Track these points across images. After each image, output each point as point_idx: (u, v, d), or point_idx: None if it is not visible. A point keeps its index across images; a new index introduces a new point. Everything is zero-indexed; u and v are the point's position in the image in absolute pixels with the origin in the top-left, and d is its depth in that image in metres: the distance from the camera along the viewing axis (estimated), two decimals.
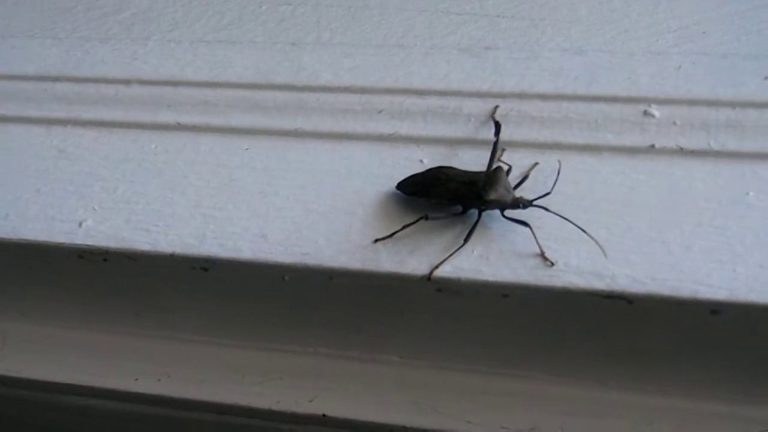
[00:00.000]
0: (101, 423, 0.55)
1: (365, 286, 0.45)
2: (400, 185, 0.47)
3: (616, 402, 0.46)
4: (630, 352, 0.45)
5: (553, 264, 0.42)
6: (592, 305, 0.42)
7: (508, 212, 0.44)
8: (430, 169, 0.47)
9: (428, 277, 0.43)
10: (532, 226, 0.43)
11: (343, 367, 0.50)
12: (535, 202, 0.43)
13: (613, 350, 0.45)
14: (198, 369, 0.52)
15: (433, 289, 0.44)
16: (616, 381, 0.46)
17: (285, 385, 0.50)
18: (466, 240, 0.43)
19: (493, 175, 0.44)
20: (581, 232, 0.43)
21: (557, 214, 0.43)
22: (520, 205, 0.43)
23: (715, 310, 0.41)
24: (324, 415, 0.49)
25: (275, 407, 0.50)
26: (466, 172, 0.46)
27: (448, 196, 0.45)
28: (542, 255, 0.43)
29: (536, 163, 0.46)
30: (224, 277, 0.47)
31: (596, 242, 0.41)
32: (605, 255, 0.42)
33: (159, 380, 0.52)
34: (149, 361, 0.52)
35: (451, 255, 0.43)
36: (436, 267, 0.43)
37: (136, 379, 0.52)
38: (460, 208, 0.45)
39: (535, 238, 0.43)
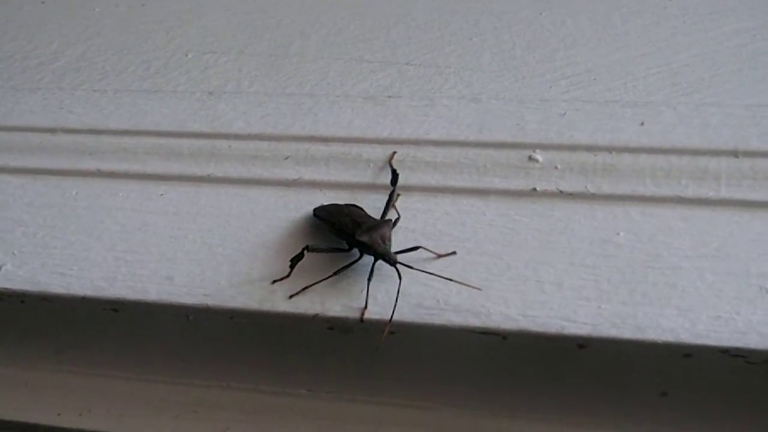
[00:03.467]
0: None
1: (264, 325, 0.48)
2: (317, 208, 0.51)
3: (507, 429, 0.49)
4: (511, 384, 0.48)
5: (362, 321, 0.45)
6: (470, 341, 0.45)
7: (380, 264, 0.47)
8: (347, 204, 0.51)
9: (290, 297, 0.47)
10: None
11: (255, 399, 0.53)
12: (399, 263, 0.46)
13: (496, 381, 0.48)
14: (117, 404, 0.54)
15: (325, 327, 0.47)
16: (506, 410, 0.49)
17: (199, 417, 0.53)
18: (336, 273, 0.46)
19: (377, 224, 0.47)
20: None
21: (423, 271, 0.46)
22: (388, 260, 0.46)
23: (582, 344, 0.44)
24: None
25: None
26: (366, 215, 0.50)
27: (336, 227, 0.48)
28: (364, 306, 0.46)
29: (454, 252, 0.48)
30: (134, 317, 0.50)
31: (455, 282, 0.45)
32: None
33: (80, 415, 0.54)
34: (71, 397, 0.55)
35: (316, 283, 0.46)
36: (295, 294, 0.47)
37: (59, 414, 0.54)
38: (345, 245, 0.48)
39: (368, 292, 0.46)
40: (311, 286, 0.46)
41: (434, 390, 0.50)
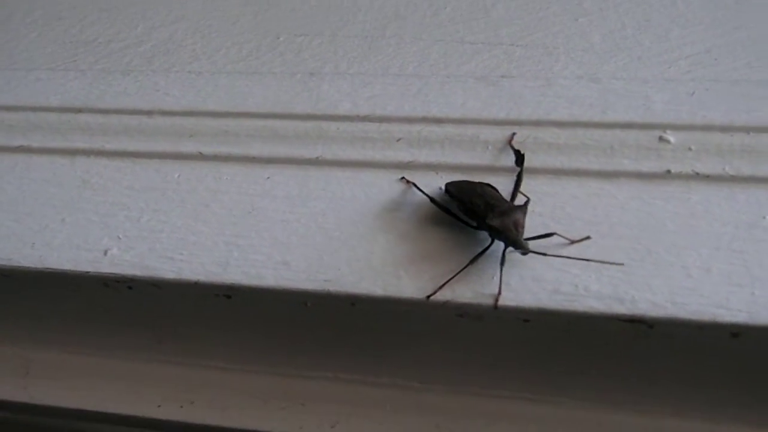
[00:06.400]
0: None
1: (387, 312, 0.46)
2: (449, 183, 0.48)
3: (642, 427, 0.46)
4: (654, 377, 0.45)
5: (497, 308, 0.43)
6: (613, 330, 0.43)
7: (510, 251, 0.44)
8: (481, 183, 0.48)
9: (427, 297, 0.44)
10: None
11: (364, 392, 0.51)
12: (533, 251, 0.43)
13: (636, 375, 0.45)
14: (221, 395, 0.52)
15: (454, 314, 0.45)
16: (641, 406, 0.46)
17: (307, 410, 0.51)
18: (471, 261, 0.44)
19: (511, 209, 0.45)
20: (599, 257, 0.43)
21: (558, 256, 0.43)
22: (520, 248, 0.43)
23: (736, 333, 0.41)
24: None
25: None
26: (500, 198, 0.47)
27: (467, 207, 0.46)
28: (498, 293, 0.43)
29: (588, 237, 0.45)
30: (247, 304, 0.48)
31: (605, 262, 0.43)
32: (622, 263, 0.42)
33: (182, 407, 0.52)
34: (172, 388, 0.53)
35: (454, 276, 0.44)
36: (438, 289, 0.44)
37: (159, 406, 0.52)
38: (474, 224, 0.46)
39: (501, 278, 0.43)
40: (447, 282, 0.44)
41: (563, 383, 0.47)
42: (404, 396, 0.50)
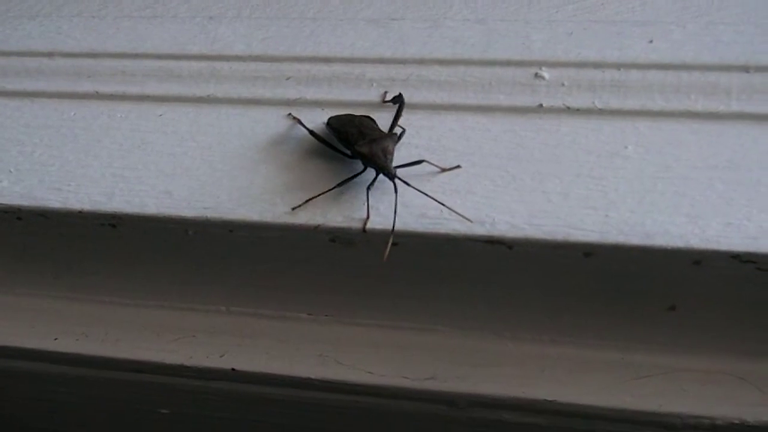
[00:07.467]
0: (23, 383, 0.56)
1: (265, 239, 0.47)
2: (332, 117, 0.50)
3: (509, 351, 0.48)
4: (517, 300, 0.47)
5: (365, 231, 0.44)
6: (478, 251, 0.44)
7: (382, 178, 0.46)
8: (361, 115, 0.50)
9: (291, 209, 0.46)
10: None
11: (253, 324, 0.52)
12: (398, 178, 0.45)
13: (501, 298, 0.47)
14: (114, 328, 0.53)
15: (327, 239, 0.46)
16: (509, 331, 0.48)
17: (198, 341, 0.52)
18: (339, 185, 0.46)
19: (381, 136, 0.46)
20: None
21: (417, 189, 0.44)
22: (387, 174, 0.45)
23: (588, 252, 0.43)
24: (233, 369, 0.51)
25: (187, 363, 0.51)
26: (374, 128, 0.48)
27: (343, 137, 0.48)
28: (366, 217, 0.45)
29: (458, 166, 0.47)
30: (132, 233, 0.49)
31: (457, 213, 0.44)
32: (470, 221, 0.44)
33: (77, 340, 0.53)
34: (68, 322, 0.54)
35: (320, 195, 0.46)
36: (298, 206, 0.46)
37: (56, 339, 0.53)
38: (349, 153, 0.47)
39: (368, 202, 0.45)
40: (314, 198, 0.46)
41: (436, 310, 0.49)
42: (291, 327, 0.52)
